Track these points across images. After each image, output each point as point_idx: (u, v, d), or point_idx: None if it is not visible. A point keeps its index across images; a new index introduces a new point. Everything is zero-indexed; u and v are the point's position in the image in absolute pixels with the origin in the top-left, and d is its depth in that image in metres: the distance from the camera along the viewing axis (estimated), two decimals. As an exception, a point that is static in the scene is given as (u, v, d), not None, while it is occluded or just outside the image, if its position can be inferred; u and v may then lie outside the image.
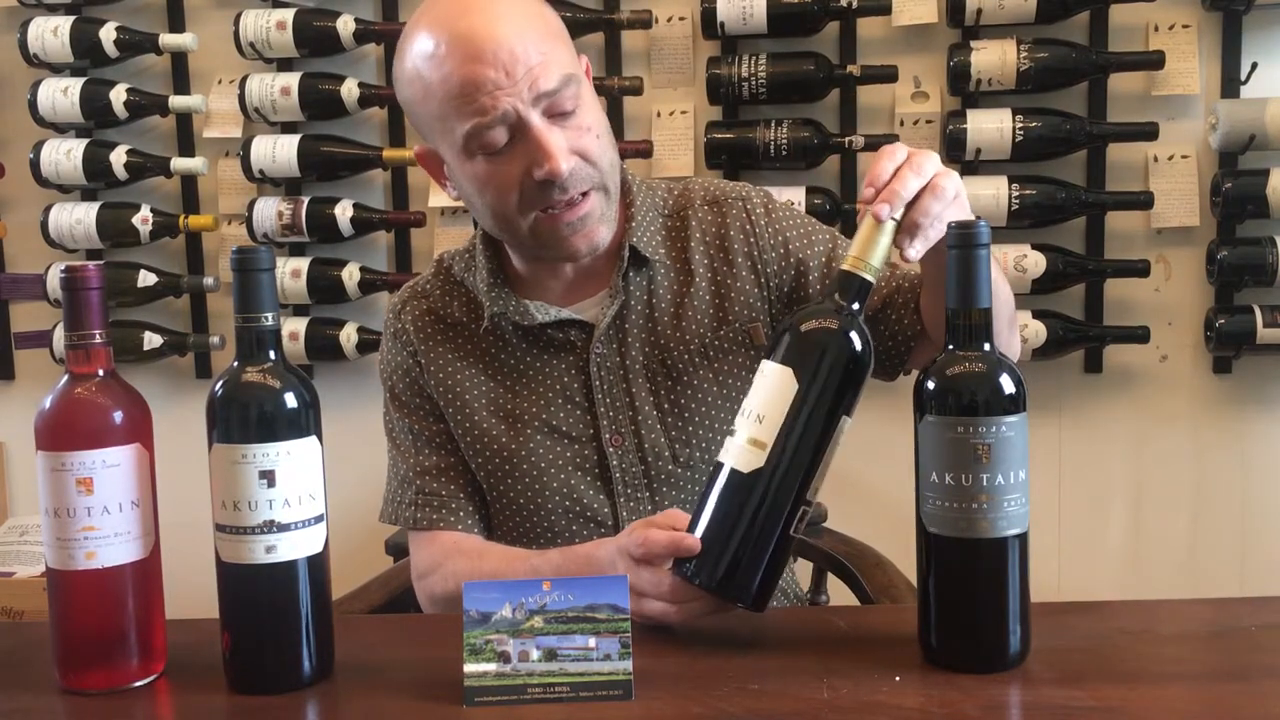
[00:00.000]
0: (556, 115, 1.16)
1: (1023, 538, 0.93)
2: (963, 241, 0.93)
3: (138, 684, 0.96)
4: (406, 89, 1.20)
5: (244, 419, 0.93)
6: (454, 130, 1.16)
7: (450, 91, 1.14)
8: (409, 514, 1.31)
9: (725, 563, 0.98)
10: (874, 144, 2.31)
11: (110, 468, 0.94)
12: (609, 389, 1.26)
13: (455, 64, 1.13)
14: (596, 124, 1.20)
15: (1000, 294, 1.12)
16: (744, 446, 0.98)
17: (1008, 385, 0.92)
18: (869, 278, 1.00)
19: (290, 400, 0.93)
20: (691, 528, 1.01)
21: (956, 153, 2.27)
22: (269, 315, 0.94)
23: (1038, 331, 2.26)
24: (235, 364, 0.95)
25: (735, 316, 1.27)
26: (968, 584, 0.94)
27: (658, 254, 1.28)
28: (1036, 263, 2.24)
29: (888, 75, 2.31)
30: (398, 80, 1.21)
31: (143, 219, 2.47)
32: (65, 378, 0.96)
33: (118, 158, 2.46)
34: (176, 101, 2.46)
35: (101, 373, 0.96)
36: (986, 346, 0.94)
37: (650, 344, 1.27)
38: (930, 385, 0.93)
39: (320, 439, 0.96)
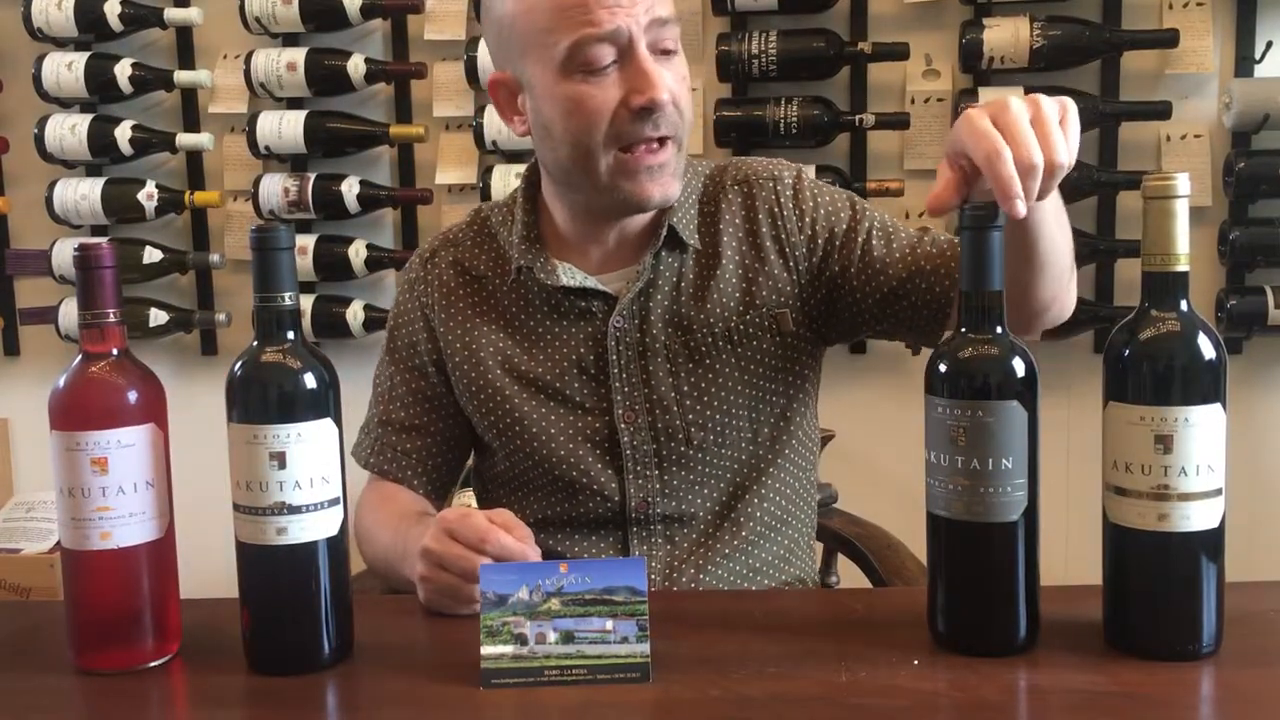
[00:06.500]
0: (659, 53, 1.16)
1: (1032, 520, 0.92)
2: (975, 223, 0.92)
3: (153, 664, 0.96)
4: (508, 2, 1.17)
5: (254, 399, 0.92)
6: (557, 44, 1.13)
7: (564, 1, 1.12)
8: (364, 455, 1.38)
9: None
10: (885, 122, 2.30)
11: (125, 448, 0.93)
12: (626, 364, 1.25)
13: None
14: (688, 82, 1.20)
15: (1059, 246, 1.12)
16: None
17: (1019, 368, 0.91)
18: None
19: (303, 382, 0.92)
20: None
21: (968, 131, 2.25)
22: (288, 295, 0.93)
23: (1048, 312, 2.25)
24: (255, 344, 0.94)
25: (763, 301, 1.26)
26: (977, 567, 0.94)
27: (692, 238, 1.27)
28: (1047, 242, 2.23)
29: (899, 52, 2.29)
30: None
31: (148, 195, 2.46)
32: (79, 357, 0.95)
33: (123, 133, 2.44)
34: (182, 77, 2.45)
35: (115, 352, 0.95)
36: (999, 329, 0.93)
37: (673, 324, 1.26)
38: (941, 368, 0.93)
39: (338, 422, 0.95)
